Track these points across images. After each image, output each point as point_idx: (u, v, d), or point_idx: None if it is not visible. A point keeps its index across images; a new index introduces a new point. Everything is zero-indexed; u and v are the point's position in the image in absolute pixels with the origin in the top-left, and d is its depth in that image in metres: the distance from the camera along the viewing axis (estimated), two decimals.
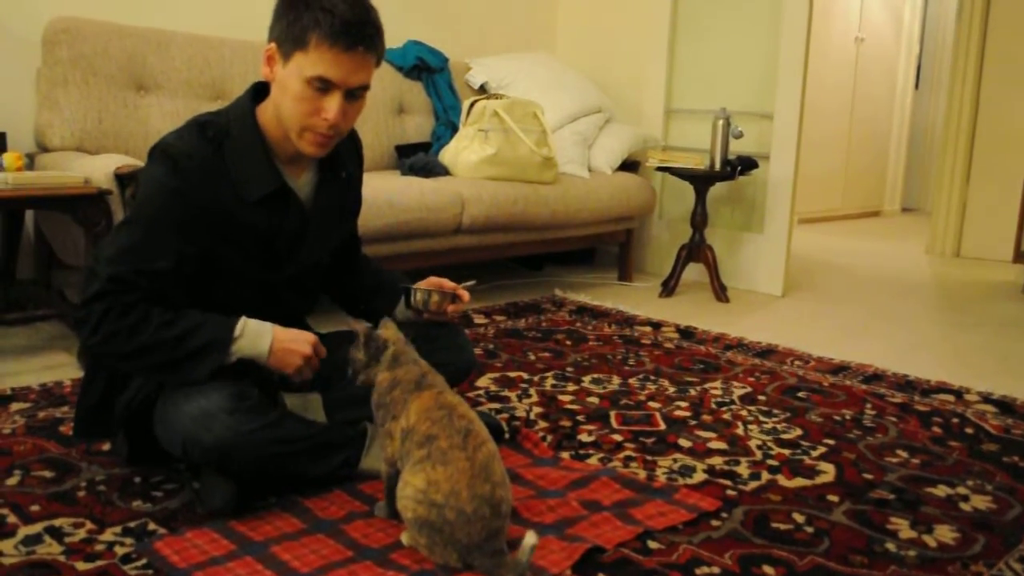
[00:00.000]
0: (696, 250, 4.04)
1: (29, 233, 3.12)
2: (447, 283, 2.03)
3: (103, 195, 2.56)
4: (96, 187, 2.56)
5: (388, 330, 1.72)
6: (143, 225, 1.67)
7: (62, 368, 2.60)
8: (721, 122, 3.89)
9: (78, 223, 2.56)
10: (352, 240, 2.13)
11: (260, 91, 1.79)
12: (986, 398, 2.65)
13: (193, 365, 1.66)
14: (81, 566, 1.51)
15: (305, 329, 2.01)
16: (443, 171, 3.67)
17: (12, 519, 1.66)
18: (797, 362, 2.98)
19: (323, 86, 1.67)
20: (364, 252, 2.19)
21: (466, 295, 2.02)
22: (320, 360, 1.78)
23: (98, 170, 2.61)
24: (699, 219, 4.01)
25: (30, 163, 2.94)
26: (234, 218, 1.73)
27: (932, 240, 5.89)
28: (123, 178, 2.60)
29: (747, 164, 3.97)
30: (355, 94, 1.72)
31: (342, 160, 1.91)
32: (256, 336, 1.70)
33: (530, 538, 1.43)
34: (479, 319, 3.38)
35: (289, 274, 1.87)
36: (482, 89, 4.37)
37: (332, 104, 1.68)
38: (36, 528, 1.63)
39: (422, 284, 2.03)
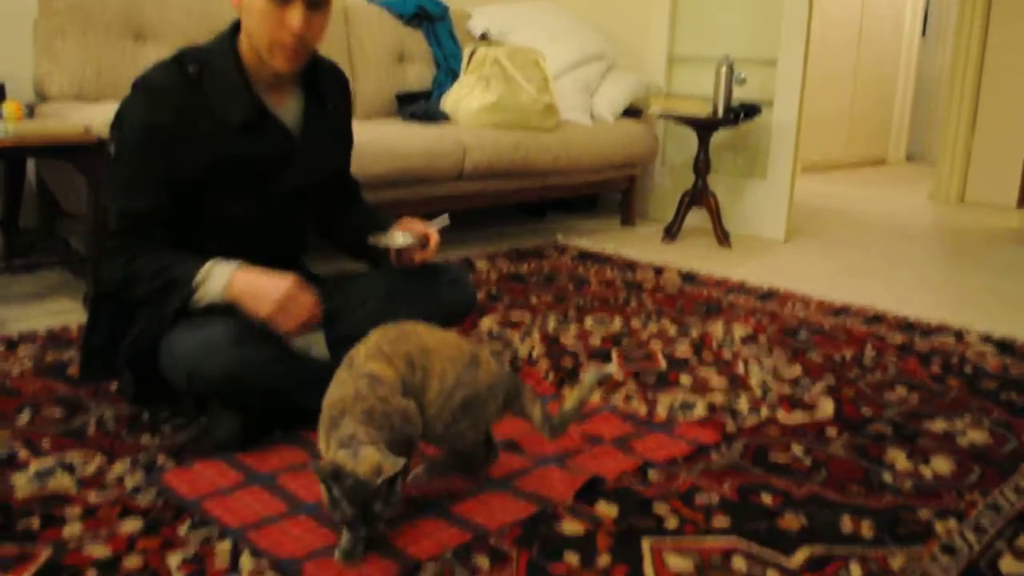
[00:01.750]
0: (699, 196, 4.03)
1: (31, 182, 3.13)
2: (418, 225, 2.00)
3: (103, 144, 2.56)
4: (96, 136, 2.56)
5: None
6: (126, 162, 1.77)
7: (68, 314, 2.62)
8: (724, 68, 3.86)
9: (80, 172, 2.56)
10: (344, 176, 2.12)
11: (240, 26, 1.81)
12: (986, 338, 2.66)
13: (164, 300, 1.74)
14: (93, 497, 1.54)
15: (304, 273, 2.03)
16: (444, 118, 3.66)
17: (24, 454, 1.69)
18: (798, 304, 3.00)
19: (282, 0, 1.70)
20: (364, 199, 2.17)
21: (434, 239, 1.97)
22: (324, 297, 1.80)
23: (98, 119, 2.60)
24: (702, 165, 4.00)
25: (30, 113, 2.93)
26: (215, 148, 1.77)
27: (936, 186, 5.87)
28: None
29: (750, 110, 3.95)
30: (317, 4, 1.73)
31: (327, 89, 1.93)
32: (216, 278, 1.73)
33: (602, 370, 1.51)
34: (481, 264, 3.39)
35: (277, 200, 1.89)
36: (483, 37, 4.34)
37: (294, 15, 1.69)
38: (48, 462, 1.66)
39: (394, 228, 2.01)
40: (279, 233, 1.95)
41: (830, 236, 4.38)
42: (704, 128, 3.97)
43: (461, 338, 1.61)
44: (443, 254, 2.17)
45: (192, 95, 1.74)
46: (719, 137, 4.17)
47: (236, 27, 1.81)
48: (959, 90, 5.70)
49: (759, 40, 4.17)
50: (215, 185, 1.79)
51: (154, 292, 1.74)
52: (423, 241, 1.97)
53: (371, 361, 1.48)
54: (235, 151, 1.78)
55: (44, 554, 1.36)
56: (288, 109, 1.87)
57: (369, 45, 3.87)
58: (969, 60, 5.63)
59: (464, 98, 3.68)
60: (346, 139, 2.09)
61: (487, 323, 2.63)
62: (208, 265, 1.73)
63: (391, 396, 1.44)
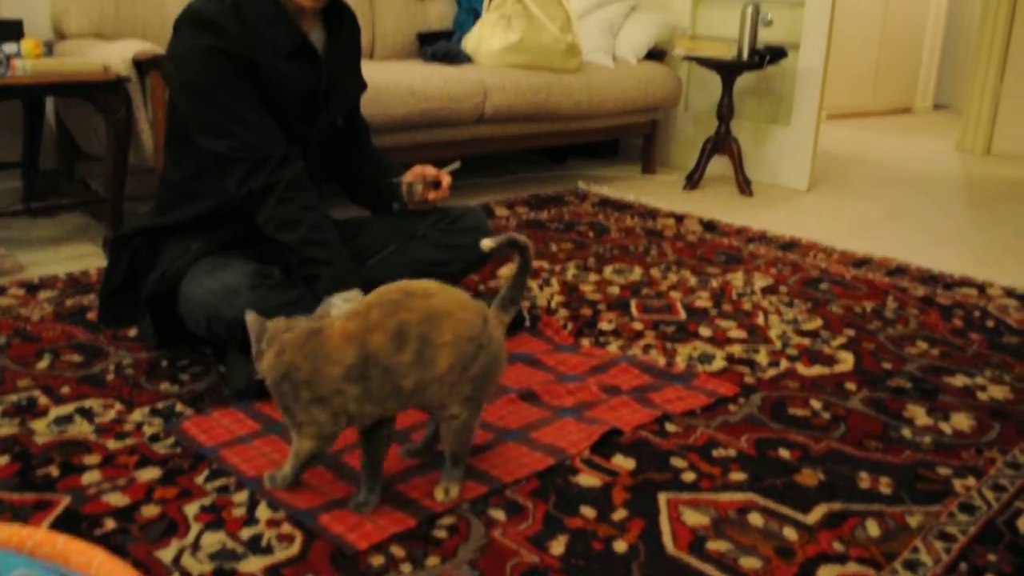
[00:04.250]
0: (721, 142, 3.97)
1: (50, 124, 3.11)
2: (430, 170, 2.05)
3: (122, 82, 2.54)
4: (115, 74, 2.54)
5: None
6: (211, 102, 1.74)
7: (88, 258, 2.62)
8: (750, 9, 3.78)
9: (98, 111, 2.55)
10: (357, 120, 2.12)
11: None
12: (1009, 292, 2.62)
13: (307, 267, 1.76)
14: (112, 445, 1.55)
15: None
16: (466, 59, 3.61)
17: (44, 400, 1.70)
18: (820, 255, 2.96)
19: None
20: (373, 143, 2.19)
21: (446, 180, 2.03)
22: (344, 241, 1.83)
23: (116, 57, 2.59)
24: (725, 110, 3.93)
25: (48, 51, 2.91)
26: (273, 72, 1.77)
27: (963, 136, 5.76)
28: (142, 65, 2.58)
29: (776, 53, 3.87)
30: None
31: (345, 24, 1.94)
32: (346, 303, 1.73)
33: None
34: (501, 211, 3.37)
35: (312, 136, 1.90)
36: None
37: None
38: (67, 409, 1.67)
39: (407, 175, 2.05)
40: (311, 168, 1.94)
41: (854, 186, 4.31)
42: (728, 71, 3.89)
43: (466, 294, 1.44)
44: (463, 200, 2.18)
45: (239, 23, 1.74)
46: (743, 82, 4.09)
47: None
48: (988, 39, 5.55)
49: None
50: (275, 111, 1.81)
51: (299, 255, 1.75)
52: (436, 182, 2.03)
53: (346, 320, 1.33)
54: (290, 81, 1.80)
55: (63, 502, 1.37)
56: (316, 38, 1.88)
57: None
58: (1000, 8, 5.47)
59: (486, 38, 3.62)
60: (360, 75, 2.09)
61: (505, 271, 2.61)
62: (355, 292, 1.73)
63: (291, 352, 1.31)
